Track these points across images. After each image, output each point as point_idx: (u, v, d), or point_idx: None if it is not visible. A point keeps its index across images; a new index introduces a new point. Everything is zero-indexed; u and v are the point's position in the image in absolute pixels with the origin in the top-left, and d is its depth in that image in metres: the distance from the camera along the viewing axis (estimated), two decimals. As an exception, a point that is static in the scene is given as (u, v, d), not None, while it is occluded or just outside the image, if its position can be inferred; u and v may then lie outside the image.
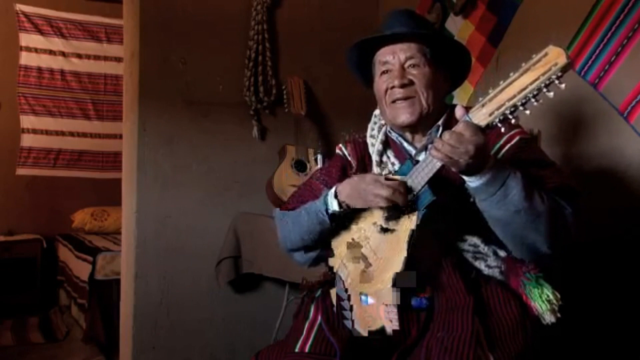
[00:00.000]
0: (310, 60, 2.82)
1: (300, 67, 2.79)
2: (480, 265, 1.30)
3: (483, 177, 1.15)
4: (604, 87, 1.84)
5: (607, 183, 1.86)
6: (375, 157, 1.45)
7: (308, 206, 1.42)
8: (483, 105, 1.11)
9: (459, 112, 1.17)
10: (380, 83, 1.40)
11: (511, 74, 1.07)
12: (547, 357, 1.28)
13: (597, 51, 1.86)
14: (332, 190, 1.36)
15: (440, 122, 1.38)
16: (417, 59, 1.35)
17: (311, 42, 2.82)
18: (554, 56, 1.03)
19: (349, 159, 1.53)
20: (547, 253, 1.22)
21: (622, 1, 1.78)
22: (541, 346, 1.23)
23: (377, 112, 1.52)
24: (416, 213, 1.21)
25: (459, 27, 2.44)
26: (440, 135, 1.16)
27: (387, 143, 1.47)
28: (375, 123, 1.51)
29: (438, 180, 1.22)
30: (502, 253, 1.30)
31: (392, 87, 1.37)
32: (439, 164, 1.18)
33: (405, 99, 1.35)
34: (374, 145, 1.47)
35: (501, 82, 1.08)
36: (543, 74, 1.03)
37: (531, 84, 1.04)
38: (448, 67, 1.42)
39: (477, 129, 1.11)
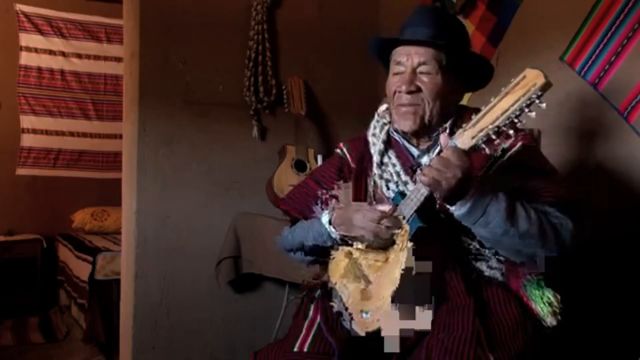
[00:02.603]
0: (310, 60, 2.82)
1: (300, 67, 2.79)
2: (482, 266, 1.30)
3: (463, 207, 1.17)
4: (604, 87, 1.84)
5: (607, 183, 1.86)
6: (376, 158, 1.44)
7: (308, 225, 1.45)
8: (465, 131, 1.13)
9: (443, 140, 1.18)
10: (391, 83, 1.38)
11: (492, 99, 1.10)
12: (547, 358, 1.28)
13: (597, 51, 1.86)
14: (327, 217, 1.39)
15: (447, 125, 1.36)
16: (430, 66, 1.32)
17: (311, 42, 2.82)
18: (532, 77, 1.05)
19: (349, 159, 1.52)
20: (545, 256, 1.23)
21: (622, 1, 1.79)
22: (541, 346, 1.23)
23: (380, 110, 1.50)
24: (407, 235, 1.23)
25: (459, 27, 2.44)
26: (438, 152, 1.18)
27: (388, 143, 1.45)
28: (377, 121, 1.48)
29: (428, 207, 1.23)
30: (502, 256, 1.30)
31: (400, 92, 1.35)
32: (426, 193, 1.19)
33: (409, 105, 1.34)
34: (375, 144, 1.45)
35: (482, 107, 1.11)
36: (523, 95, 1.05)
37: (512, 105, 1.07)
38: (465, 73, 1.38)
39: (463, 152, 1.13)
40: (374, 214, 1.27)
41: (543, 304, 1.22)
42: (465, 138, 1.13)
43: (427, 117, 1.34)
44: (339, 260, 1.36)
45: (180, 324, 2.56)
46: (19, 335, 3.77)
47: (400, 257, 1.21)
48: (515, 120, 1.07)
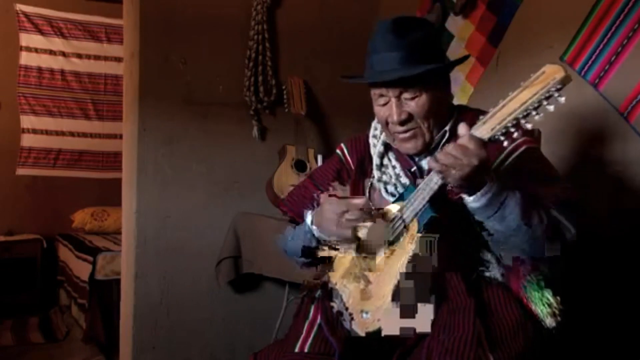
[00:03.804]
0: (310, 60, 2.82)
1: (300, 67, 2.79)
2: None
3: (482, 199, 1.15)
4: (604, 87, 1.84)
5: (607, 183, 1.86)
6: (375, 160, 1.44)
7: (300, 227, 1.44)
8: (484, 122, 1.12)
9: (462, 129, 1.15)
10: (380, 113, 1.36)
11: (510, 93, 1.09)
12: (548, 358, 1.28)
13: (597, 51, 1.86)
14: (310, 217, 1.38)
15: (447, 128, 1.36)
16: (412, 91, 1.30)
17: (311, 42, 2.82)
18: (552, 72, 1.05)
19: (348, 159, 1.51)
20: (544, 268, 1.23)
21: (622, 1, 1.78)
22: (542, 347, 1.23)
23: None
24: (416, 233, 1.20)
25: (459, 27, 2.44)
26: (448, 140, 1.15)
27: (389, 145, 1.44)
28: (378, 121, 1.47)
29: (440, 198, 1.21)
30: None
31: (392, 122, 1.33)
32: (439, 182, 1.17)
33: (406, 132, 1.33)
34: (375, 146, 1.45)
35: (500, 101, 1.10)
36: (542, 88, 1.05)
37: (530, 98, 1.06)
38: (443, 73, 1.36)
39: (481, 142, 1.11)
40: (339, 207, 1.25)
41: (542, 305, 1.21)
42: (483, 129, 1.11)
43: (427, 137, 1.34)
44: (342, 257, 1.36)
45: (180, 324, 2.56)
46: (19, 335, 3.77)
47: (406, 249, 1.20)
48: (534, 113, 1.06)
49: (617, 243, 1.78)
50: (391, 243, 1.25)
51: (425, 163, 1.39)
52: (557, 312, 1.21)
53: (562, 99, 1.05)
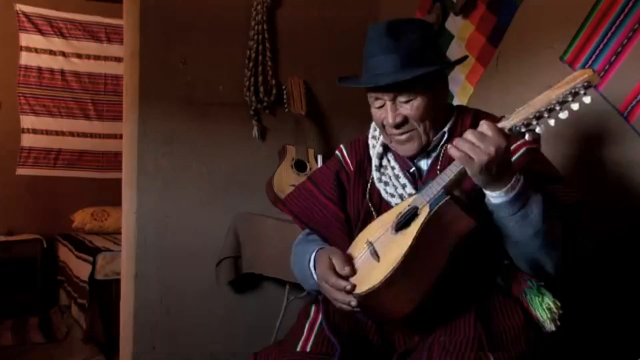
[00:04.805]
0: (310, 60, 2.82)
1: (300, 67, 2.79)
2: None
3: (507, 195, 1.12)
4: (604, 87, 1.84)
5: (607, 183, 1.86)
6: (375, 160, 1.44)
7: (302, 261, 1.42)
8: (508, 119, 1.11)
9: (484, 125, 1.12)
10: (376, 116, 1.37)
11: (537, 96, 1.09)
12: (548, 358, 1.28)
13: (597, 51, 1.86)
14: (312, 263, 1.37)
15: (446, 129, 1.36)
16: (406, 94, 1.30)
17: (311, 42, 2.83)
18: (581, 73, 1.06)
19: (348, 161, 1.51)
20: (551, 273, 1.21)
21: (622, 1, 1.78)
22: (543, 350, 1.23)
23: None
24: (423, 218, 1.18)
25: (459, 27, 2.44)
26: (447, 141, 1.14)
27: (388, 145, 1.44)
28: (375, 124, 1.46)
29: (456, 186, 1.18)
30: (505, 261, 1.29)
31: (388, 125, 1.34)
32: (457, 168, 1.14)
33: (402, 134, 1.33)
34: (374, 147, 1.45)
35: (528, 102, 1.10)
36: (569, 86, 1.05)
37: (557, 96, 1.06)
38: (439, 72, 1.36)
39: (500, 130, 1.09)
40: (328, 275, 1.25)
41: (542, 310, 1.21)
42: (506, 123, 1.10)
43: (423, 139, 1.34)
44: (358, 241, 1.35)
45: (180, 324, 2.56)
46: (19, 335, 3.78)
47: (413, 231, 1.18)
48: (558, 108, 1.05)
49: (617, 243, 1.78)
50: (400, 228, 1.23)
51: (423, 164, 1.39)
52: (557, 317, 1.21)
53: (588, 99, 1.04)
